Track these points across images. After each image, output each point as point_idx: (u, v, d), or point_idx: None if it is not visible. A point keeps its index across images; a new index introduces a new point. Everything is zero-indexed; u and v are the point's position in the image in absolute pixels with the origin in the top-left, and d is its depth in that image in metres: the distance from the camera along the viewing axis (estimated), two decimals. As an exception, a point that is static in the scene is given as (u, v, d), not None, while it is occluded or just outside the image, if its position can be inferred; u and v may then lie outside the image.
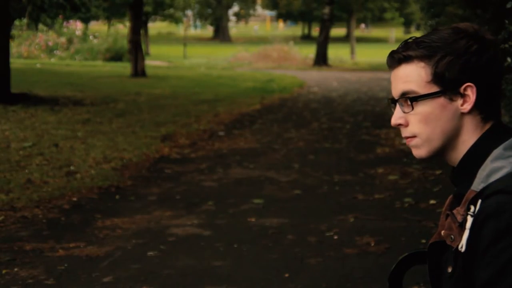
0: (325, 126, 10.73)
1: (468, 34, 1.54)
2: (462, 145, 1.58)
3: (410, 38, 1.59)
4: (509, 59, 4.89)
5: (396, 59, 1.57)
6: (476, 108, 1.54)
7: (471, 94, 1.53)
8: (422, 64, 1.55)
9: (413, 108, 1.56)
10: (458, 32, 1.55)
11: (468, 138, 1.57)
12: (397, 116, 1.57)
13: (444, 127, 1.56)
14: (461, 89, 1.53)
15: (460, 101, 1.54)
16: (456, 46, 1.53)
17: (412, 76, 1.56)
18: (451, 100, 1.54)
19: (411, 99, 1.55)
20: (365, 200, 5.92)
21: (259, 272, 4.22)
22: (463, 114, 1.55)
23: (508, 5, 4.69)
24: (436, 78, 1.54)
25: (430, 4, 11.61)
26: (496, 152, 1.51)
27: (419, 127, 1.56)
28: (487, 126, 1.56)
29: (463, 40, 1.53)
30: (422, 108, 1.55)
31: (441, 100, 1.54)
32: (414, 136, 1.57)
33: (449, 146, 1.59)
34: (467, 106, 1.53)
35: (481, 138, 1.55)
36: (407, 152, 7.76)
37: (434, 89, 1.54)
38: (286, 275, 4.17)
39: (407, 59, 1.57)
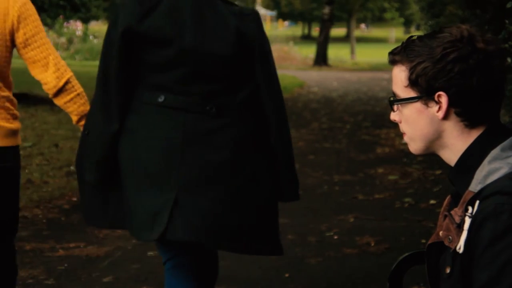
0: (325, 126, 10.73)
1: (456, 40, 1.53)
2: (452, 147, 1.59)
3: (411, 36, 1.60)
4: (509, 59, 4.89)
5: (389, 60, 1.61)
6: (456, 115, 1.55)
7: (444, 102, 1.53)
8: (403, 67, 1.59)
9: (398, 109, 1.61)
10: (445, 37, 1.55)
11: (455, 142, 1.57)
12: (394, 113, 1.63)
13: (423, 131, 1.59)
14: (435, 96, 1.54)
15: (436, 108, 1.55)
16: (434, 53, 1.53)
17: (396, 79, 1.61)
18: (427, 106, 1.56)
19: (390, 101, 1.61)
20: (365, 200, 5.92)
21: (259, 272, 4.22)
22: (442, 119, 1.56)
23: (508, 5, 4.69)
24: (411, 83, 1.56)
25: (430, 4, 11.62)
26: (494, 153, 1.51)
27: (405, 126, 1.62)
28: (479, 129, 1.56)
29: (441, 47, 1.53)
30: (404, 110, 1.59)
31: (418, 105, 1.57)
32: (404, 133, 1.63)
33: (436, 146, 1.61)
34: (440, 114, 1.55)
35: (477, 139, 1.55)
36: (407, 152, 7.75)
37: (412, 94, 1.57)
38: (286, 275, 4.17)
39: (394, 62, 1.60)
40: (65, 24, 30.19)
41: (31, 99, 12.25)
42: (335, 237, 4.88)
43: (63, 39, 28.00)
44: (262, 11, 75.52)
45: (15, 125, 2.96)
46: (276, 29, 68.34)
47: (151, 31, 2.62)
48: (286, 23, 71.07)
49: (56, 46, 27.44)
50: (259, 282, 4.08)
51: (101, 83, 2.76)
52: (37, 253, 4.55)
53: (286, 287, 4.00)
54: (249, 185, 2.70)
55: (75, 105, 3.03)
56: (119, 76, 2.67)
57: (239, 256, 4.50)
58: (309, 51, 30.98)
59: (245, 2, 60.68)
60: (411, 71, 1.55)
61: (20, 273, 4.17)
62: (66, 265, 4.34)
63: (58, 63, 3.02)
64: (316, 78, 21.51)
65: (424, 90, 1.54)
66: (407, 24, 56.09)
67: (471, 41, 1.52)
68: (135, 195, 2.66)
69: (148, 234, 2.64)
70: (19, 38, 2.94)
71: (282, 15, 58.94)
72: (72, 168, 7.00)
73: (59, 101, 3.04)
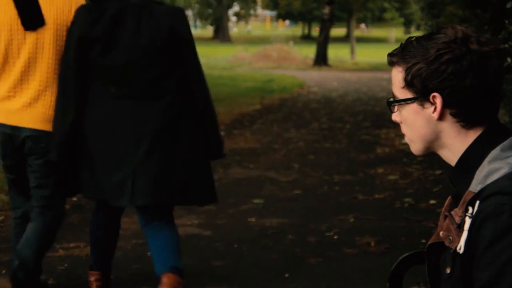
0: (325, 126, 10.73)
1: (450, 41, 1.53)
2: (450, 147, 1.59)
3: (409, 38, 1.61)
4: (509, 59, 4.89)
5: (388, 62, 1.62)
6: (452, 116, 1.55)
7: (438, 103, 1.54)
8: (400, 69, 1.60)
9: (397, 110, 1.62)
10: (439, 38, 1.55)
11: (452, 142, 1.58)
12: (395, 113, 1.64)
13: (421, 132, 1.60)
14: (430, 97, 1.54)
15: (431, 109, 1.56)
16: (428, 54, 1.53)
17: (394, 80, 1.62)
18: (423, 107, 1.57)
19: (388, 102, 1.63)
20: (365, 200, 5.93)
21: (259, 272, 4.22)
22: (439, 120, 1.56)
23: (508, 5, 4.69)
24: (407, 84, 1.57)
25: (430, 4, 11.62)
26: (494, 153, 1.51)
27: (404, 127, 1.63)
28: (476, 130, 1.56)
29: (435, 48, 1.53)
30: (403, 111, 1.61)
31: (414, 106, 1.58)
32: (405, 134, 1.64)
33: (435, 147, 1.62)
34: (435, 115, 1.55)
35: (477, 140, 1.56)
36: (407, 152, 7.76)
37: (408, 95, 1.58)
38: (286, 275, 4.17)
39: (392, 64, 1.61)
40: (65, 24, 30.21)
41: (31, 99, 12.24)
42: (335, 237, 4.89)
43: (63, 39, 27.97)
44: (260, 11, 75.53)
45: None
46: (276, 29, 68.32)
47: (99, 34, 3.29)
48: (286, 23, 71.07)
49: (56, 46, 27.45)
50: (259, 282, 4.08)
51: (61, 81, 3.39)
52: (37, 253, 4.54)
53: (286, 287, 4.01)
54: (187, 148, 3.43)
55: None
56: (76, 74, 3.34)
57: (239, 256, 4.51)
58: (309, 51, 30.98)
59: (245, 2, 60.70)
60: (407, 72, 1.56)
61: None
62: (66, 265, 4.34)
63: None
64: (316, 78, 21.51)
65: (419, 91, 1.55)
66: (407, 24, 56.11)
67: (465, 42, 1.52)
68: (103, 172, 3.39)
69: (119, 202, 3.43)
70: None
71: (282, 15, 58.92)
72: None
73: None
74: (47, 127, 3.41)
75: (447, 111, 1.54)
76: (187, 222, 5.29)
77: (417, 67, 1.53)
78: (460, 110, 1.53)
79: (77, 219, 5.33)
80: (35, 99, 3.41)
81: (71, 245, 4.71)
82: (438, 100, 1.53)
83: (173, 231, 3.54)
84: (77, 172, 3.50)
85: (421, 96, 1.55)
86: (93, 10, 3.32)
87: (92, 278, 3.76)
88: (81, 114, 3.37)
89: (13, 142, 3.44)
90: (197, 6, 53.95)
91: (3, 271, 4.22)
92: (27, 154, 3.45)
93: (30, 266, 3.54)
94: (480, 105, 1.53)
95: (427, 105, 1.55)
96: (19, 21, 3.38)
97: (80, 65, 3.32)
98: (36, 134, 3.40)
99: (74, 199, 5.89)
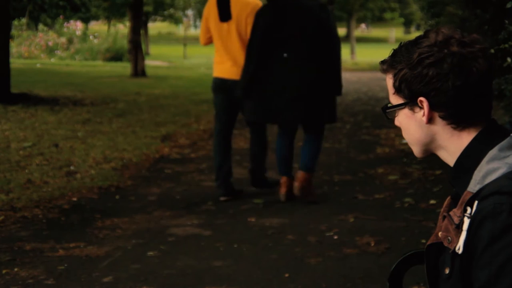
0: (325, 126, 10.72)
1: (431, 44, 1.54)
2: (446, 149, 1.60)
3: (400, 43, 1.62)
4: (509, 59, 4.89)
5: (380, 70, 1.65)
6: (441, 118, 1.55)
7: (425, 106, 1.55)
8: (390, 75, 1.62)
9: (397, 115, 1.64)
10: (423, 43, 1.56)
11: (447, 144, 1.59)
12: (396, 119, 1.66)
13: (415, 135, 1.61)
14: (418, 102, 1.56)
15: (421, 113, 1.57)
16: (411, 59, 1.55)
17: (388, 87, 1.64)
18: (413, 111, 1.59)
19: (382, 109, 1.64)
20: (365, 200, 5.92)
21: (259, 272, 4.22)
22: (429, 123, 1.57)
23: (508, 5, 4.69)
24: (396, 90, 1.59)
25: (430, 4, 11.62)
26: (492, 153, 1.52)
27: (403, 133, 1.65)
28: (470, 131, 1.56)
29: (417, 52, 1.54)
30: (398, 117, 1.63)
31: (406, 111, 1.61)
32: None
33: (433, 149, 1.62)
34: (424, 119, 1.56)
35: (474, 140, 1.56)
36: (407, 152, 7.76)
37: (400, 100, 1.61)
38: (286, 275, 4.17)
39: (383, 71, 1.63)
40: (65, 24, 30.21)
41: (31, 99, 12.26)
42: (335, 237, 4.88)
43: (63, 39, 28.00)
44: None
45: None
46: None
47: (274, 20, 5.54)
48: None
49: (56, 46, 27.46)
50: (259, 282, 4.08)
51: (248, 49, 5.61)
52: (37, 253, 4.55)
53: (286, 287, 4.01)
54: (320, 90, 5.60)
55: None
56: (260, 44, 5.54)
57: (239, 256, 4.51)
58: (309, 51, 30.90)
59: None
60: (395, 78, 1.58)
61: (20, 273, 4.18)
62: (66, 265, 4.34)
63: None
64: (316, 78, 21.45)
65: (407, 96, 1.57)
66: (407, 24, 56.08)
67: (446, 45, 1.52)
68: (272, 101, 5.59)
69: (279, 120, 5.76)
70: (250, 17, 5.76)
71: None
72: (72, 168, 7.00)
73: None
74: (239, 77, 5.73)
75: (436, 114, 1.55)
76: (187, 222, 5.29)
77: (402, 72, 1.56)
78: (448, 112, 1.54)
79: (77, 219, 5.33)
80: (234, 63, 5.78)
81: (71, 245, 4.71)
82: (425, 104, 1.55)
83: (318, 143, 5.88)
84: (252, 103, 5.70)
85: (410, 101, 1.57)
86: (270, 7, 5.60)
87: (282, 181, 5.82)
88: (259, 68, 5.54)
89: (223, 86, 5.88)
90: (197, 6, 53.86)
91: (3, 271, 4.22)
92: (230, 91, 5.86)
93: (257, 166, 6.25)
94: (468, 106, 1.53)
95: (417, 109, 1.57)
96: (218, 16, 5.78)
97: (263, 39, 5.51)
98: (235, 81, 5.76)
99: (74, 199, 5.89)
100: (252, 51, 5.55)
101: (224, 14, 5.76)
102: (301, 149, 5.78)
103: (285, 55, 5.46)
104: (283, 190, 5.78)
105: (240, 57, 5.73)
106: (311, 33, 5.43)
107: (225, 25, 5.77)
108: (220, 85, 5.90)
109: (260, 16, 5.58)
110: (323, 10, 5.51)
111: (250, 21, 5.70)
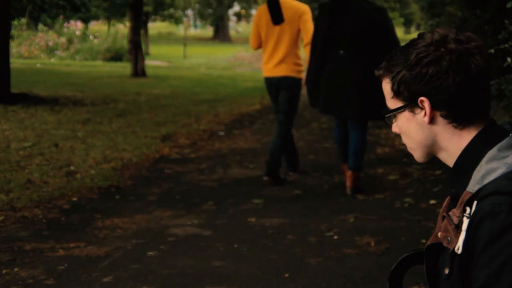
0: (325, 126, 10.73)
1: (428, 44, 1.54)
2: (447, 149, 1.60)
3: (394, 50, 1.62)
4: (509, 59, 4.89)
5: (376, 76, 1.64)
6: (443, 117, 1.55)
7: (426, 106, 1.54)
8: (387, 80, 1.61)
9: (394, 121, 1.64)
10: (419, 43, 1.56)
11: (448, 144, 1.58)
12: (394, 125, 1.66)
13: (416, 138, 1.61)
14: (418, 102, 1.55)
15: (422, 113, 1.56)
16: (409, 60, 1.54)
17: (385, 92, 1.64)
18: (414, 113, 1.58)
19: (381, 114, 1.65)
20: (365, 200, 5.92)
21: (259, 272, 4.22)
22: (431, 124, 1.56)
23: (508, 5, 4.69)
24: (395, 94, 1.59)
25: (430, 4, 11.62)
26: (491, 153, 1.52)
27: (403, 137, 1.64)
28: (470, 130, 1.56)
29: (414, 53, 1.54)
30: (398, 122, 1.62)
31: (406, 114, 1.60)
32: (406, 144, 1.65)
33: (434, 151, 1.62)
34: (426, 119, 1.56)
35: (473, 141, 1.56)
36: (407, 152, 7.72)
37: (399, 104, 1.60)
38: (286, 275, 4.17)
39: (380, 77, 1.63)
40: (65, 24, 30.19)
41: (31, 99, 12.25)
42: (335, 237, 4.89)
43: (63, 39, 27.97)
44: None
45: (301, 67, 6.64)
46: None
47: (332, 21, 6.01)
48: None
49: (56, 46, 27.45)
50: (259, 282, 4.08)
51: (312, 47, 6.16)
52: (37, 253, 4.55)
53: (286, 287, 4.01)
54: (369, 83, 5.76)
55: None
56: (323, 43, 6.02)
57: (239, 256, 4.51)
58: (309, 51, 30.90)
59: (247, 2, 60.66)
60: (393, 81, 1.58)
61: (20, 273, 4.18)
62: (66, 265, 4.34)
63: (309, 32, 6.46)
64: (316, 78, 21.46)
65: (407, 98, 1.57)
66: (407, 24, 56.06)
67: (443, 43, 1.52)
68: (330, 97, 6.09)
69: (340, 113, 6.14)
70: (302, 17, 6.48)
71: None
72: (72, 168, 7.01)
73: (306, 50, 6.39)
74: (288, 74, 6.48)
75: (437, 114, 1.55)
76: (187, 222, 5.29)
77: (400, 74, 1.55)
78: (449, 110, 1.54)
79: (77, 219, 5.33)
80: (281, 61, 6.46)
81: (71, 245, 4.71)
82: (426, 104, 1.54)
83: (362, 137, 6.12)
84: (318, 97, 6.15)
85: (410, 103, 1.56)
86: (327, 8, 6.11)
87: (348, 174, 6.10)
88: (322, 64, 6.04)
89: (271, 84, 6.58)
90: (197, 6, 53.88)
91: (3, 271, 4.22)
92: (280, 88, 6.56)
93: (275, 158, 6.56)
94: (468, 102, 1.54)
95: (417, 110, 1.56)
96: (270, 20, 6.46)
97: (324, 39, 5.99)
98: (282, 78, 6.49)
99: (74, 199, 5.89)
100: (316, 49, 6.08)
101: (277, 17, 6.45)
102: (348, 147, 6.16)
103: (341, 52, 5.92)
104: (348, 184, 6.10)
105: (290, 55, 6.45)
106: (363, 32, 5.85)
107: (277, 27, 6.45)
108: (269, 84, 6.62)
109: (321, 17, 6.12)
110: (378, 12, 6.00)
111: (302, 22, 6.45)
